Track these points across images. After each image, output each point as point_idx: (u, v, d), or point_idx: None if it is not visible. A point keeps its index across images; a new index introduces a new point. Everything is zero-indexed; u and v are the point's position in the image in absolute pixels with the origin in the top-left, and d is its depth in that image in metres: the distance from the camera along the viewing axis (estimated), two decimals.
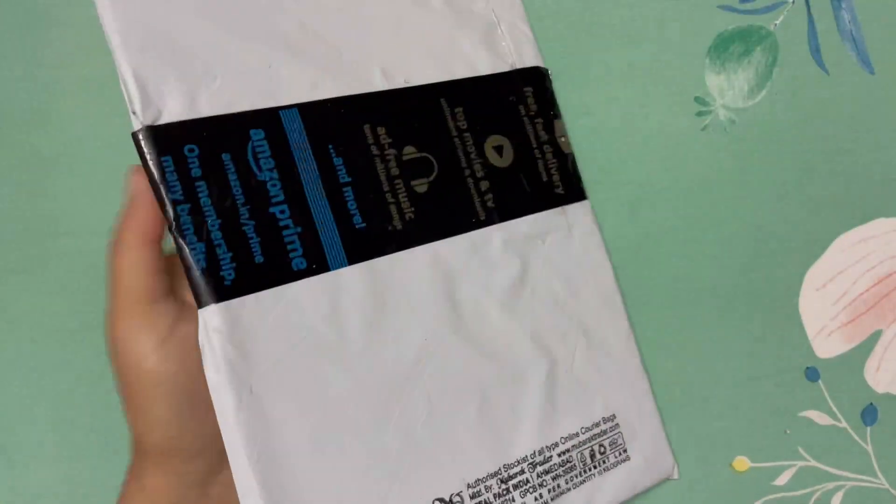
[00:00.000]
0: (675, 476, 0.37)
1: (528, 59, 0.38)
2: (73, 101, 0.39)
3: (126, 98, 0.29)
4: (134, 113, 0.29)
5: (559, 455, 0.37)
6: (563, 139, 0.38)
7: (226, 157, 0.30)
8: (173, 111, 0.29)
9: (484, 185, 0.37)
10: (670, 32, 0.39)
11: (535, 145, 0.38)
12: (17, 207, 0.39)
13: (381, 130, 0.33)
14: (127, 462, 0.39)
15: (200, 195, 0.29)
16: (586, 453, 0.37)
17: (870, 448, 0.39)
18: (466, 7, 0.38)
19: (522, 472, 0.37)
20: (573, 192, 0.38)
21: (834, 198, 0.39)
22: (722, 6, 0.39)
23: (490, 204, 0.37)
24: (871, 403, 0.39)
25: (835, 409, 0.39)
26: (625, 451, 0.37)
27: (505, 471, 0.37)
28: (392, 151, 0.34)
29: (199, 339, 0.29)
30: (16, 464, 0.39)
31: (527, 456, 0.37)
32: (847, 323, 0.39)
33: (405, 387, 0.34)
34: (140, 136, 0.29)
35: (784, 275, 0.39)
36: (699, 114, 0.39)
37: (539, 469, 0.37)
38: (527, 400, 0.38)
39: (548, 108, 0.38)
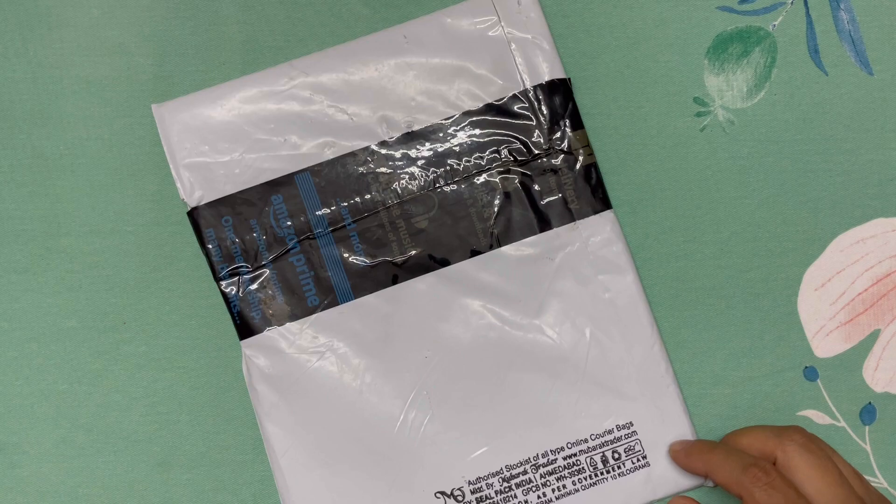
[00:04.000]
0: (710, 484, 0.37)
1: (545, 75, 0.38)
2: (75, 102, 0.39)
3: (178, 188, 0.38)
4: (183, 199, 0.38)
5: (564, 459, 0.37)
6: (582, 150, 0.38)
7: (253, 222, 0.38)
8: (210, 194, 0.38)
9: (487, 212, 0.38)
10: (669, 33, 0.39)
11: (547, 165, 0.38)
12: (18, 207, 0.39)
13: (382, 177, 0.38)
14: (127, 461, 0.39)
15: (235, 255, 0.38)
16: (597, 458, 0.37)
17: (868, 447, 0.39)
18: (479, 35, 0.38)
19: (525, 472, 0.37)
20: (591, 204, 0.38)
21: (832, 198, 0.39)
22: (721, 7, 0.39)
23: (494, 230, 0.38)
24: (870, 403, 0.39)
25: (833, 408, 0.39)
26: (644, 457, 0.38)
27: (507, 471, 0.37)
28: (393, 195, 0.38)
29: (243, 362, 0.38)
30: (16, 464, 0.39)
31: (529, 458, 0.37)
32: (845, 322, 0.39)
33: (410, 393, 0.38)
34: (190, 215, 0.38)
35: (783, 275, 0.39)
36: (698, 114, 0.39)
37: (542, 470, 0.37)
38: (532, 406, 0.38)
39: (567, 120, 0.38)
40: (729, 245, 0.39)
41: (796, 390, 0.39)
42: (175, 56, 0.39)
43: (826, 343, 0.39)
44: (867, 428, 0.39)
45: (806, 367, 0.39)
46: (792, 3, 0.39)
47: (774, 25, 0.39)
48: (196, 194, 0.38)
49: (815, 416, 0.39)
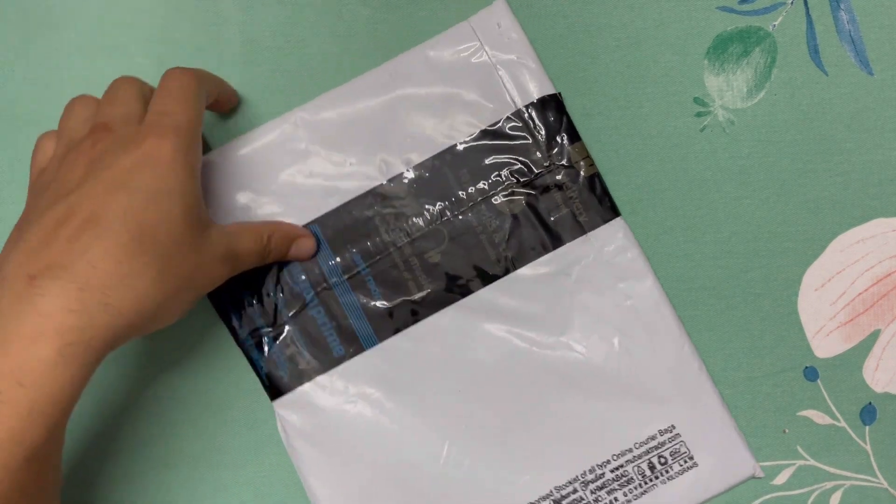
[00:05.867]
0: (759, 474, 0.37)
1: (535, 93, 0.38)
2: None
3: None
4: None
5: (612, 471, 0.37)
6: (583, 161, 0.38)
7: (267, 281, 0.38)
8: None
9: (498, 236, 0.38)
10: (669, 33, 0.39)
11: (550, 181, 0.38)
12: (18, 208, 0.39)
13: (388, 218, 0.38)
14: (127, 461, 0.39)
15: (254, 316, 0.38)
16: (644, 466, 0.37)
17: (868, 447, 0.39)
18: (464, 63, 0.38)
19: (575, 490, 0.37)
20: (600, 214, 0.38)
21: (832, 198, 0.39)
22: (721, 7, 0.39)
23: (507, 254, 0.38)
24: (870, 403, 0.39)
25: (833, 408, 0.39)
26: (690, 458, 0.37)
27: (556, 492, 0.37)
28: (402, 234, 0.38)
29: (277, 423, 0.38)
30: None
31: (577, 476, 0.37)
32: (845, 323, 0.39)
33: (448, 428, 0.38)
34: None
35: (783, 275, 0.39)
36: (698, 114, 0.39)
37: (592, 486, 0.37)
38: (571, 423, 0.38)
39: (563, 134, 0.38)
40: (729, 245, 0.39)
41: (796, 390, 0.39)
42: (175, 56, 0.39)
43: (826, 343, 0.39)
44: (867, 428, 0.39)
45: (806, 367, 0.39)
46: (792, 3, 0.39)
47: (774, 25, 0.39)
48: None
49: (815, 416, 0.39)
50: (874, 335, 0.39)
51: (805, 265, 0.39)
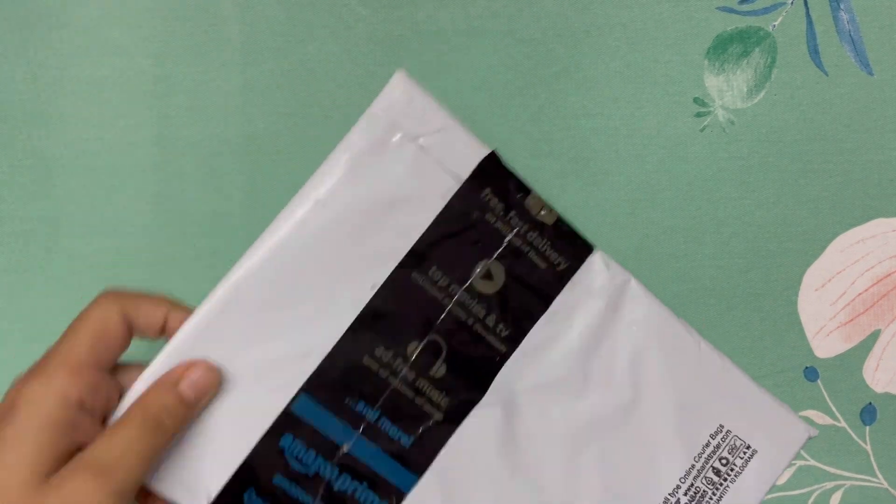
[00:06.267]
0: (814, 433, 0.37)
1: (471, 161, 0.35)
2: (75, 102, 0.39)
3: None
4: None
5: (685, 493, 0.37)
6: (543, 212, 0.36)
7: (276, 479, 0.34)
8: (217, 482, 0.33)
9: (490, 320, 0.36)
10: (669, 33, 0.39)
11: (518, 243, 0.36)
12: (18, 208, 0.39)
13: (378, 351, 0.35)
14: None
15: None
16: (710, 475, 0.37)
17: (868, 447, 0.39)
18: (387, 154, 0.35)
19: None
20: (575, 256, 0.36)
21: (832, 198, 0.39)
22: (721, 7, 0.39)
23: (504, 333, 0.36)
24: (870, 403, 0.39)
25: (834, 408, 0.39)
26: (748, 447, 0.37)
27: None
28: (399, 361, 0.35)
29: None
30: None
31: None
32: (846, 323, 0.39)
33: None
34: None
35: (783, 275, 0.39)
36: (698, 115, 0.39)
37: None
38: (629, 468, 0.37)
39: (514, 193, 0.36)
40: (729, 245, 0.39)
41: (796, 390, 0.39)
42: (175, 56, 0.39)
43: (826, 343, 0.39)
44: (867, 428, 0.39)
45: (806, 368, 0.39)
46: (792, 3, 0.39)
47: (774, 26, 0.39)
48: (202, 492, 0.34)
49: (816, 416, 0.39)
50: (874, 335, 0.39)
51: (805, 265, 0.39)
